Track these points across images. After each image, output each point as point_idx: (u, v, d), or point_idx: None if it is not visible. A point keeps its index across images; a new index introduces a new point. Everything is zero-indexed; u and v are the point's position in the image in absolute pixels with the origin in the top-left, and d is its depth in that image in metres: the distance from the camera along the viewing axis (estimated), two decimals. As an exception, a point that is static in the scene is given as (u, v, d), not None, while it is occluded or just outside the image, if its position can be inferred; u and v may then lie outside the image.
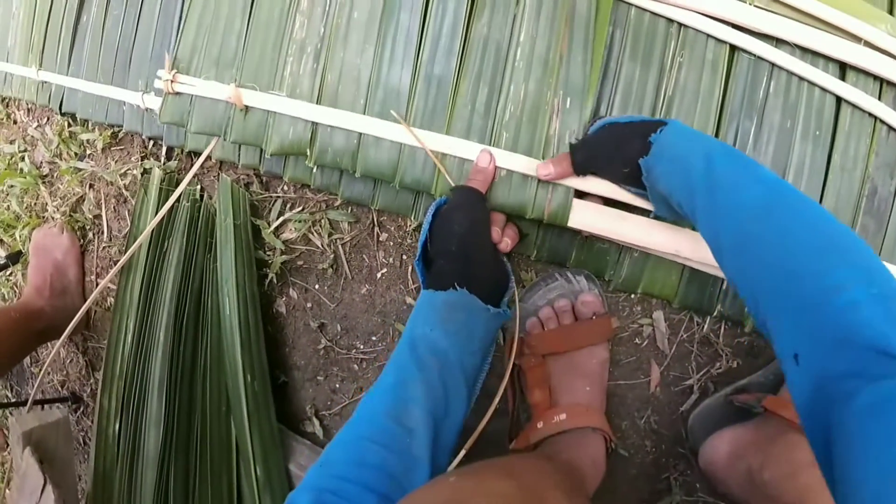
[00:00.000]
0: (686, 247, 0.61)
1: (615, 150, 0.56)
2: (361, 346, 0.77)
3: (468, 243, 0.57)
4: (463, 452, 0.60)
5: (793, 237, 0.39)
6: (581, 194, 0.62)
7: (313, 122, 0.63)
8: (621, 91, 0.63)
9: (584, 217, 0.61)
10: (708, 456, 0.66)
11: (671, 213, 0.56)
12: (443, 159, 0.62)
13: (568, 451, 0.62)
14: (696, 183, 0.47)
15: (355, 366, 0.78)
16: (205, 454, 0.76)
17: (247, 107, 0.64)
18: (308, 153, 0.64)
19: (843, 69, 0.63)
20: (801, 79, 0.63)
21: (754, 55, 0.63)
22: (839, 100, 0.63)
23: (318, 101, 0.63)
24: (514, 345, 0.69)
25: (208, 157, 0.78)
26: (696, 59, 0.63)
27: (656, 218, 0.60)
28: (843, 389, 0.31)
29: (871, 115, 0.62)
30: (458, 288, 0.55)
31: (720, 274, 0.64)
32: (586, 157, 0.58)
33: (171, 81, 0.64)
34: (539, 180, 0.61)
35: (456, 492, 0.38)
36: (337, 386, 0.79)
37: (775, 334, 0.39)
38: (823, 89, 0.62)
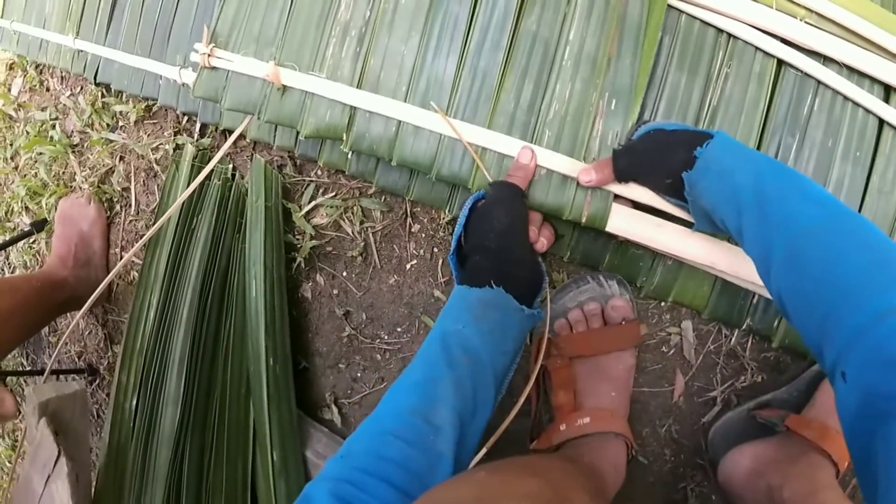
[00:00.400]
0: (722, 259, 0.60)
1: (659, 160, 0.55)
2: (386, 337, 0.77)
3: (506, 240, 0.56)
4: (484, 451, 0.59)
5: (846, 257, 0.39)
6: (616, 196, 0.61)
7: (352, 107, 0.62)
8: (666, 97, 0.62)
9: (623, 223, 0.61)
10: (727, 470, 0.66)
11: (712, 228, 0.55)
12: (482, 154, 0.61)
13: (590, 455, 0.61)
14: (745, 200, 0.46)
15: (378, 356, 0.77)
16: (221, 435, 0.75)
17: (284, 86, 0.62)
18: (344, 138, 0.63)
19: (888, 91, 0.62)
20: (846, 98, 0.62)
21: (801, 71, 0.62)
22: (882, 122, 0.62)
23: (359, 86, 0.62)
24: (542, 345, 0.69)
25: (242, 137, 0.78)
26: (744, 70, 0.62)
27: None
28: (892, 408, 0.31)
29: (913, 138, 0.61)
30: (493, 286, 0.53)
31: (752, 288, 0.63)
32: (629, 165, 0.57)
33: (209, 55, 0.63)
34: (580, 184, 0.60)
35: (484, 489, 0.37)
36: (358, 375, 0.79)
37: (824, 352, 0.38)
38: (867, 110, 0.62)
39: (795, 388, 0.67)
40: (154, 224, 0.72)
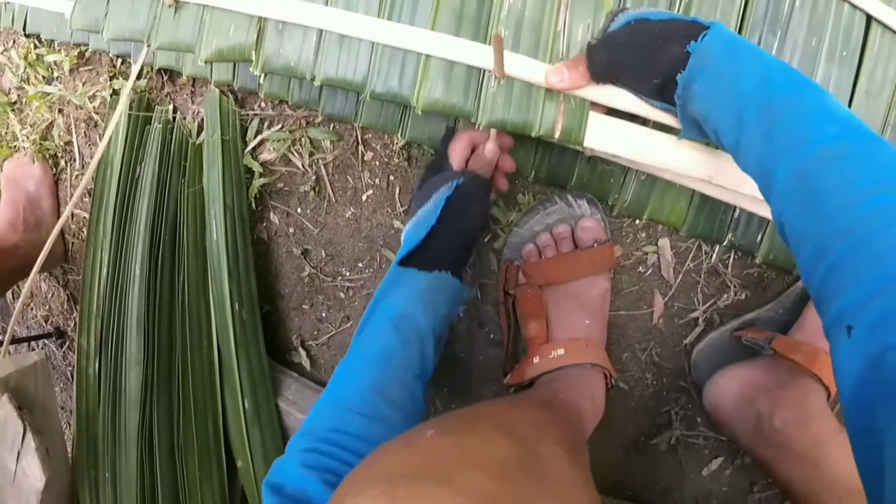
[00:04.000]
0: (721, 172, 0.51)
1: (646, 56, 0.44)
2: (347, 274, 0.70)
3: (473, 236, 0.56)
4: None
5: (873, 192, 0.30)
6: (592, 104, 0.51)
7: (260, 18, 0.51)
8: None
9: (603, 136, 0.50)
10: (713, 396, 0.60)
11: (702, 136, 0.46)
12: (426, 61, 0.52)
13: (566, 390, 0.55)
14: (747, 110, 0.37)
15: (342, 294, 0.71)
16: (187, 390, 0.70)
17: (176, 1, 0.51)
18: (253, 58, 0.52)
19: (877, -15, 0.53)
20: (830, -9, 0.52)
21: (782, -39, 0.52)
22: (869, 18, 0.53)
23: None
24: (508, 273, 0.62)
25: (178, 74, 0.69)
26: (721, -43, 0.53)
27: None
28: None
29: (902, 37, 0.52)
30: (442, 272, 0.53)
31: (745, 204, 0.55)
32: (608, 61, 0.46)
33: None
34: (547, 90, 0.49)
35: (436, 454, 0.30)
36: (323, 315, 0.73)
37: (827, 298, 0.30)
38: (853, 5, 0.52)
39: (781, 306, 0.60)
40: (85, 174, 0.64)
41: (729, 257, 0.61)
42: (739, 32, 0.53)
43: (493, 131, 0.55)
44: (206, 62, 0.52)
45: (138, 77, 0.73)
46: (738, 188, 0.51)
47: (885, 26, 0.53)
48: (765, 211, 0.56)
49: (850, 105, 0.54)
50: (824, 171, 0.32)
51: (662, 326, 0.63)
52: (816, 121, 0.34)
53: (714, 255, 0.61)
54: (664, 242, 0.62)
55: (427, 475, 0.28)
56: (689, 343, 0.63)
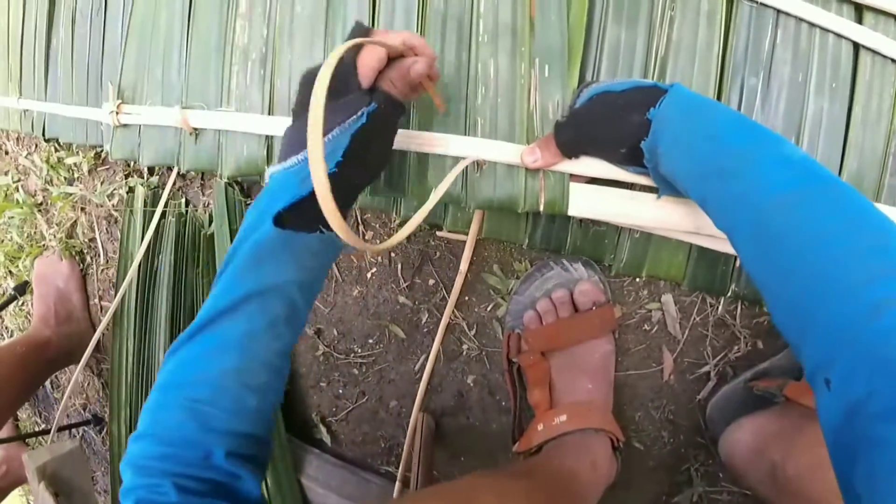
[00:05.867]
0: (707, 222, 0.50)
1: (609, 129, 0.45)
2: (359, 350, 0.71)
3: (375, 177, 0.46)
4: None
5: (826, 237, 0.30)
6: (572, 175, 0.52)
7: (268, 136, 0.55)
8: (607, 54, 0.53)
9: (587, 203, 0.51)
10: (727, 448, 0.58)
11: (680, 194, 0.46)
12: (416, 158, 0.53)
13: (567, 457, 0.54)
14: (705, 168, 0.37)
15: (355, 370, 0.72)
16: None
17: (195, 129, 0.56)
18: (266, 171, 0.56)
19: (860, 11, 0.51)
20: (812, 25, 0.51)
21: (756, 2, 0.52)
22: (857, 46, 0.51)
23: (270, 112, 0.56)
24: (510, 341, 0.62)
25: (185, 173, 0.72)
26: (690, 11, 0.52)
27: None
28: (878, 434, 0.23)
29: (894, 60, 0.50)
30: (324, 231, 0.40)
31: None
32: (575, 138, 0.47)
33: (117, 113, 0.57)
34: (527, 169, 0.51)
35: None
36: (340, 391, 0.74)
37: (803, 350, 0.30)
38: (839, 35, 0.51)
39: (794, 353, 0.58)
40: (119, 272, 0.67)
41: (736, 307, 0.59)
42: (720, 78, 0.52)
43: (411, 34, 0.42)
44: (230, 178, 0.57)
45: (150, 173, 0.77)
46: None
47: (875, 52, 0.51)
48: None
49: (846, 138, 0.52)
50: (780, 218, 0.32)
51: (674, 383, 0.61)
52: (770, 168, 0.34)
53: (720, 307, 0.60)
54: (667, 298, 0.60)
55: None
56: (703, 398, 0.61)
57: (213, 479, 0.36)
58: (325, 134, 0.39)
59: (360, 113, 0.39)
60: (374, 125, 0.40)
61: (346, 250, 0.46)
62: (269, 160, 0.56)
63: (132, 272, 0.73)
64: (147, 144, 0.59)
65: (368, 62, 0.40)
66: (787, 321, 0.31)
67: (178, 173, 0.71)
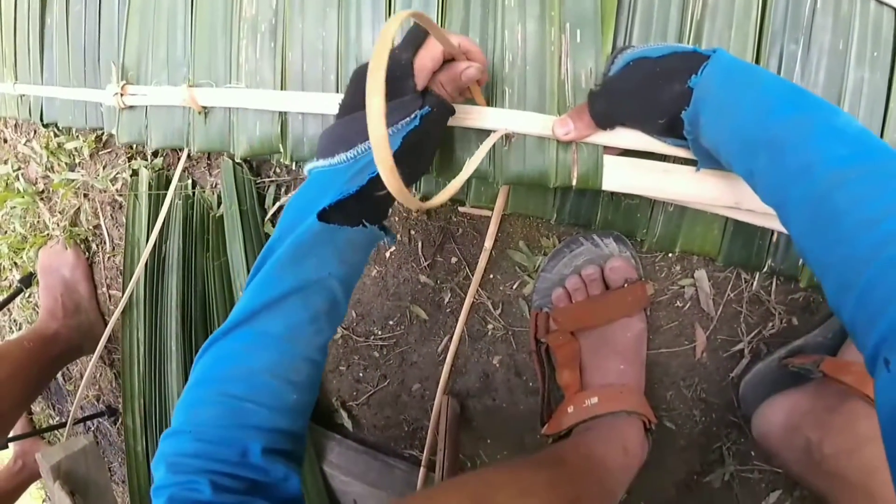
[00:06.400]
0: (748, 196, 0.47)
1: (647, 98, 0.42)
2: (379, 332, 0.69)
3: (422, 175, 0.47)
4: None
5: (890, 214, 0.28)
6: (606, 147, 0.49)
7: (281, 112, 0.52)
8: (640, 18, 0.50)
9: (622, 177, 0.49)
10: (761, 427, 0.56)
11: (720, 167, 0.43)
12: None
13: (598, 441, 0.53)
14: (752, 139, 0.35)
15: (376, 353, 0.70)
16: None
17: (204, 108, 0.53)
18: (282, 149, 0.53)
19: (903, -25, 0.48)
20: (853, -10, 0.48)
21: (796, -36, 0.48)
22: None
23: (283, 87, 0.52)
24: (538, 321, 0.60)
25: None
26: (726, -27, 0.49)
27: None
28: None
29: (938, 27, 0.48)
30: (367, 225, 0.41)
31: (773, 226, 0.52)
32: (609, 108, 0.44)
33: (121, 94, 0.54)
34: (559, 141, 0.48)
35: None
36: (360, 375, 0.72)
37: (862, 330, 0.28)
38: (880, 1, 0.48)
39: (829, 330, 0.56)
40: (125, 258, 0.64)
41: (771, 283, 0.57)
42: (758, 44, 0.49)
43: (467, 39, 0.43)
44: (242, 159, 0.54)
45: (154, 155, 0.74)
46: (769, 210, 0.48)
47: (918, 20, 0.48)
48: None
49: (886, 110, 0.49)
50: (837, 196, 0.30)
51: (706, 361, 0.60)
52: (824, 142, 0.32)
53: (755, 283, 0.57)
54: (700, 274, 0.58)
55: None
56: (736, 376, 0.59)
57: (250, 477, 0.35)
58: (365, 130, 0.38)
59: (413, 115, 0.40)
60: (425, 127, 0.40)
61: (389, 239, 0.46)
62: (283, 138, 0.54)
63: (145, 255, 0.70)
64: (155, 126, 0.56)
65: (425, 63, 0.40)
66: (845, 301, 0.29)
67: (188, 155, 0.68)
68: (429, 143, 0.43)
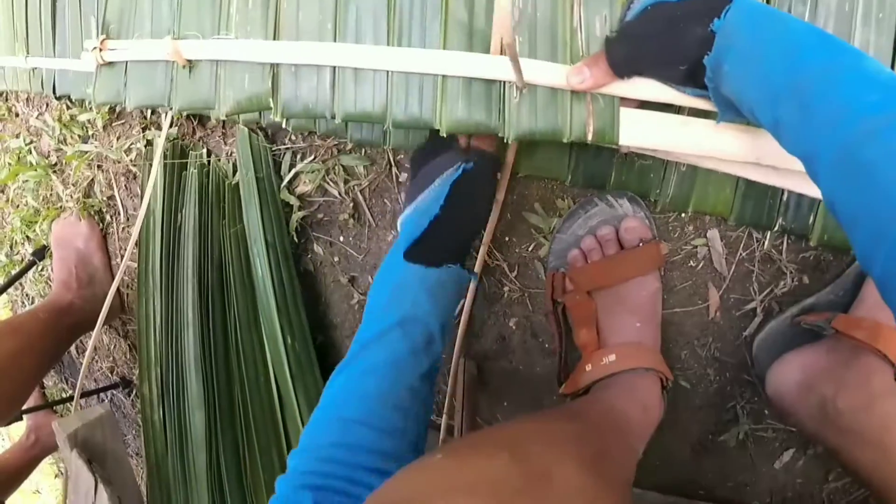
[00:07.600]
0: (770, 151, 0.46)
1: (667, 45, 0.41)
2: (394, 299, 0.69)
3: (482, 223, 0.53)
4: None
5: None
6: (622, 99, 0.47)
7: (272, 64, 0.49)
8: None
9: (639, 131, 0.47)
10: (775, 385, 0.57)
11: (742, 118, 0.42)
12: (444, 82, 0.48)
13: (617, 398, 0.53)
14: (780, 86, 0.34)
15: (391, 321, 0.70)
16: (250, 427, 0.70)
17: (189, 62, 0.50)
18: (272, 105, 0.50)
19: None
20: (863, -52, 0.48)
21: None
22: None
23: (275, 37, 0.50)
24: (554, 281, 0.60)
25: (207, 118, 0.69)
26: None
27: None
28: None
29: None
30: (451, 265, 0.48)
31: (792, 186, 0.52)
32: (628, 55, 0.43)
33: (100, 49, 0.51)
34: (572, 92, 0.46)
35: (440, 478, 0.31)
36: (376, 342, 0.72)
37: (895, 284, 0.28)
38: None
39: (840, 287, 0.57)
40: (135, 229, 0.65)
41: (782, 242, 0.58)
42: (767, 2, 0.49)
43: None
44: (227, 116, 0.51)
45: (170, 125, 0.74)
46: (791, 166, 0.47)
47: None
48: (814, 191, 0.52)
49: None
50: (871, 145, 0.29)
51: (720, 320, 0.60)
52: (856, 89, 0.31)
53: (766, 242, 0.58)
54: (713, 234, 0.59)
55: (424, 500, 0.29)
56: (749, 335, 0.60)
57: (354, 494, 0.38)
58: (427, 185, 0.49)
59: (456, 166, 0.48)
60: (471, 176, 0.48)
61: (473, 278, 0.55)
62: (273, 93, 0.50)
63: (153, 226, 0.70)
64: (133, 84, 0.53)
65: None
66: (876, 255, 0.29)
67: (205, 117, 0.68)
68: (480, 194, 0.49)
